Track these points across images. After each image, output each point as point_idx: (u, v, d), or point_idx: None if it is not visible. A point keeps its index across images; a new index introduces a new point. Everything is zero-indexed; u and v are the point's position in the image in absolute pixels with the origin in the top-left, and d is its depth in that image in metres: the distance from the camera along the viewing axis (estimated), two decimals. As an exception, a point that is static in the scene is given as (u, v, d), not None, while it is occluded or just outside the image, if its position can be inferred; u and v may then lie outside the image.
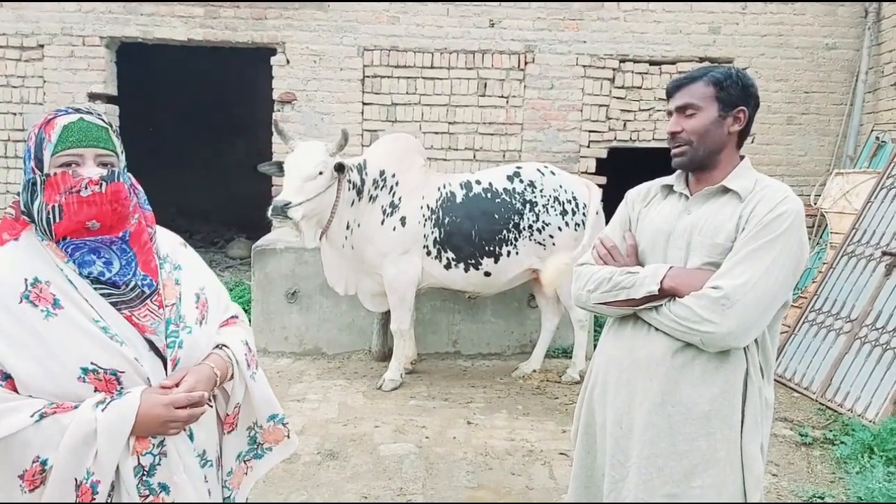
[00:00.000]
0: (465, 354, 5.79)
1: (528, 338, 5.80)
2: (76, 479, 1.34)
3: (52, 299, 1.36)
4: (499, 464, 3.69)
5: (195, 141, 9.93)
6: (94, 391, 1.38)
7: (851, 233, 5.26)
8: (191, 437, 1.53)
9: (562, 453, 3.82)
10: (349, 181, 4.68)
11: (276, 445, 1.76)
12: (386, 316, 5.30)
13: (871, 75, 6.18)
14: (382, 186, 4.80)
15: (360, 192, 4.74)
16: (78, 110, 1.46)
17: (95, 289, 1.42)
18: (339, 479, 3.46)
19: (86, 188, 1.39)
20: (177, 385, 1.46)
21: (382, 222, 4.78)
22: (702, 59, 6.14)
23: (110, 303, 1.43)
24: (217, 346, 1.63)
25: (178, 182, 9.44)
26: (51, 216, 1.39)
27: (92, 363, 1.37)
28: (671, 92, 1.93)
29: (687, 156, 1.89)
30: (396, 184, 4.82)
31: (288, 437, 1.78)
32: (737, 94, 1.86)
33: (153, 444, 1.44)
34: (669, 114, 1.95)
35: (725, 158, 1.90)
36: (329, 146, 4.53)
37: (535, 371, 5.23)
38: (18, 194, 1.45)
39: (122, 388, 1.41)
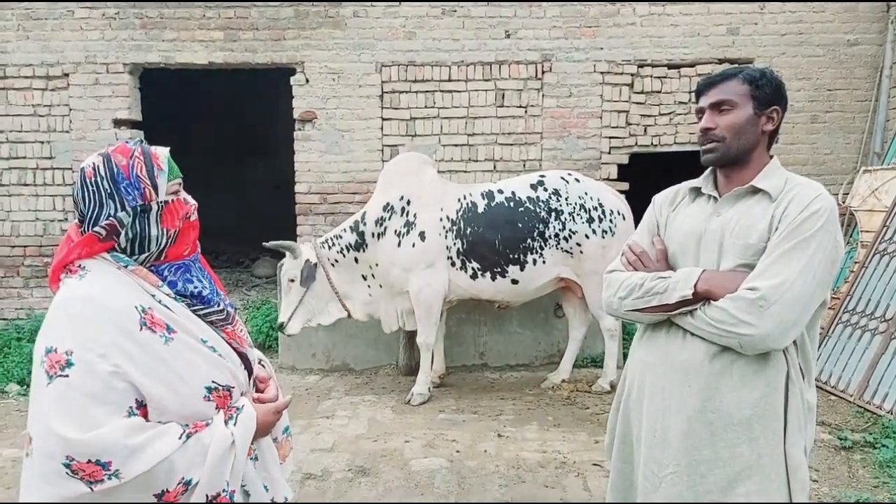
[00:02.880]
0: (493, 366, 5.76)
1: (555, 348, 5.75)
2: (207, 496, 1.38)
3: (165, 324, 1.40)
4: (532, 476, 3.65)
5: (218, 162, 10.04)
6: (216, 408, 1.45)
7: (882, 230, 5.16)
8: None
9: (595, 464, 3.77)
10: (340, 250, 4.92)
11: (283, 462, 1.76)
12: (412, 330, 5.29)
13: (895, 70, 6.07)
14: (390, 217, 4.88)
15: (359, 246, 4.91)
16: (141, 142, 1.53)
17: (193, 310, 1.48)
18: (371, 495, 3.45)
19: (194, 213, 1.54)
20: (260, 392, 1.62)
21: (399, 244, 4.82)
22: (721, 61, 6.08)
23: (210, 321, 1.51)
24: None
25: (202, 203, 9.50)
26: (170, 241, 1.48)
27: (213, 381, 1.45)
28: (702, 89, 1.90)
29: (719, 152, 1.86)
30: (408, 203, 4.86)
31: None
32: (771, 93, 1.84)
33: (253, 449, 1.54)
34: (699, 112, 1.91)
35: (756, 158, 1.87)
36: (298, 250, 4.88)
37: (564, 381, 5.18)
38: (85, 219, 1.43)
39: (233, 401, 1.50)
